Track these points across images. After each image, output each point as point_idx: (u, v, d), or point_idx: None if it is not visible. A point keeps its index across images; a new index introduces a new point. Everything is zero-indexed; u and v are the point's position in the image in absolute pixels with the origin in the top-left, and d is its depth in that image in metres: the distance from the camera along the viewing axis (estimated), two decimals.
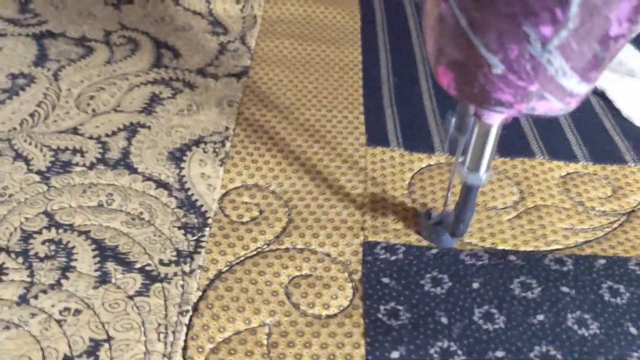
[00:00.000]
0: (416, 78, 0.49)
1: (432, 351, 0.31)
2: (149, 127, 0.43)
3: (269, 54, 0.51)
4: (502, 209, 0.39)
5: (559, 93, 0.22)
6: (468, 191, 0.30)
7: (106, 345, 0.30)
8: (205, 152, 0.42)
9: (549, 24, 0.19)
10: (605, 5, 0.19)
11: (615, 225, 0.38)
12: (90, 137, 0.42)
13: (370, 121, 0.45)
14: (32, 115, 0.44)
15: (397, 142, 0.43)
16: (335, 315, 0.33)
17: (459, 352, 0.31)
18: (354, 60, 0.51)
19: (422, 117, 0.45)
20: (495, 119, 0.25)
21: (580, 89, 0.22)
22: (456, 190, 0.38)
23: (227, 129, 0.44)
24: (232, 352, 0.30)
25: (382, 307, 0.33)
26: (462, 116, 0.31)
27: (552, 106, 0.22)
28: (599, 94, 0.51)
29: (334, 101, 0.47)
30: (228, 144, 0.42)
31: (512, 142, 0.44)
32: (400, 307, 0.33)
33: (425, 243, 0.37)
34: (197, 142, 0.42)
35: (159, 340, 0.31)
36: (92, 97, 0.46)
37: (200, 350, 0.30)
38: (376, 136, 0.44)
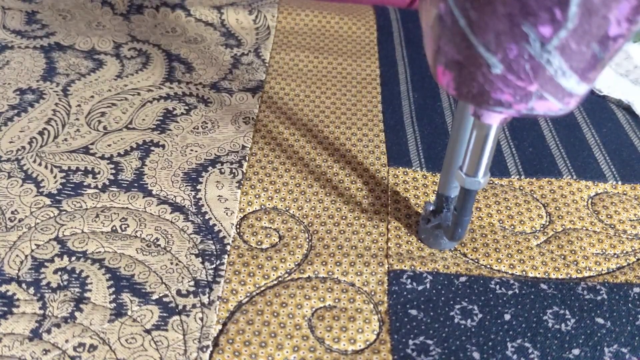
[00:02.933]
0: (437, 93, 0.48)
1: None
2: (163, 146, 0.42)
3: (284, 67, 0.50)
4: (530, 233, 0.38)
5: (558, 93, 0.22)
6: (466, 195, 0.30)
7: None
8: (222, 172, 0.40)
9: (548, 24, 0.19)
10: (605, 5, 0.19)
11: None
12: (102, 157, 0.41)
13: (391, 140, 0.43)
14: (41, 133, 0.42)
15: (419, 162, 0.41)
16: (362, 350, 0.31)
17: None
18: (371, 74, 0.50)
19: (444, 136, 0.43)
20: (495, 119, 0.25)
21: (579, 89, 0.22)
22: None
23: (243, 147, 0.42)
24: None
25: (411, 342, 0.32)
26: (437, 209, 0.33)
27: (551, 106, 0.22)
28: (625, 108, 0.49)
29: (352, 117, 0.45)
30: (245, 164, 0.41)
31: (539, 161, 0.42)
32: (429, 342, 0.32)
33: (452, 270, 0.35)
34: (213, 162, 0.41)
35: None
36: (103, 114, 0.44)
37: None
38: (397, 156, 0.42)
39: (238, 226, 0.37)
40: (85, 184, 0.39)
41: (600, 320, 0.33)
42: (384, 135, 0.44)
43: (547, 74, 0.21)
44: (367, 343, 0.32)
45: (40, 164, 0.40)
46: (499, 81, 0.22)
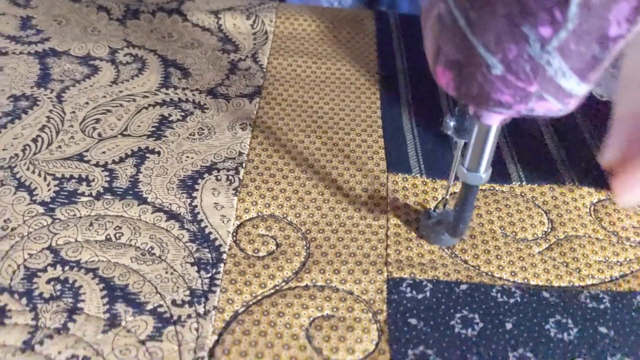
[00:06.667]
0: (437, 99, 0.47)
1: None
2: (159, 153, 0.41)
3: (282, 73, 0.49)
4: (532, 240, 0.37)
5: (558, 94, 0.22)
6: (468, 191, 0.30)
7: None
8: (218, 180, 0.39)
9: (548, 25, 0.19)
10: (605, 5, 0.19)
11: None
12: (97, 164, 0.40)
13: (390, 146, 0.43)
14: (35, 140, 0.42)
15: (419, 168, 0.41)
16: None
17: None
18: (370, 80, 0.49)
19: (444, 142, 0.42)
20: (495, 120, 0.25)
21: (579, 89, 0.22)
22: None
23: (240, 154, 0.41)
24: None
25: (410, 352, 0.31)
26: (460, 119, 0.30)
27: (551, 107, 0.22)
28: None
29: (351, 123, 0.45)
30: (242, 171, 0.40)
31: (540, 168, 0.42)
32: (429, 352, 0.31)
33: (453, 277, 0.34)
34: (209, 169, 0.40)
35: None
36: (97, 121, 0.44)
37: None
38: (397, 162, 0.41)
39: (234, 234, 0.36)
40: (79, 191, 0.38)
41: (604, 330, 0.33)
42: (383, 141, 0.43)
43: (547, 75, 0.21)
44: (366, 353, 0.31)
45: (33, 172, 0.39)
46: (498, 82, 0.22)
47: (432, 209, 0.38)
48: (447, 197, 0.37)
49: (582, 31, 0.20)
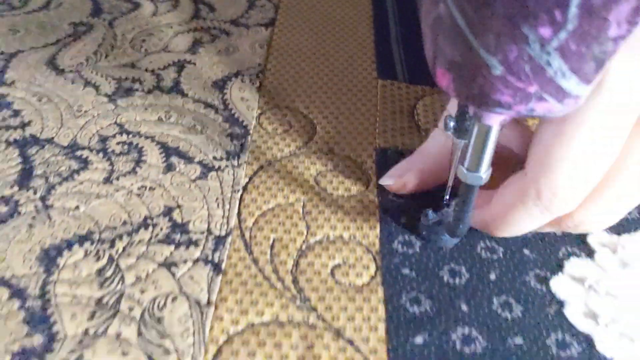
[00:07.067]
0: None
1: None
2: (194, 64, 0.52)
3: (292, 9, 0.60)
4: None
5: (558, 94, 0.22)
6: (468, 191, 0.30)
7: (177, 210, 0.39)
8: (243, 82, 0.50)
9: (548, 25, 0.19)
10: (604, 6, 0.19)
11: None
12: (146, 70, 0.51)
13: (380, 57, 0.54)
14: (95, 53, 0.52)
15: (403, 75, 0.52)
16: (355, 195, 0.41)
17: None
18: (365, 14, 0.60)
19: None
20: (495, 120, 0.26)
21: (579, 90, 0.22)
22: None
23: (259, 65, 0.52)
24: (276, 215, 0.39)
25: (391, 196, 0.42)
26: (460, 120, 0.30)
27: (551, 107, 0.22)
28: None
29: (349, 45, 0.56)
30: (262, 76, 0.51)
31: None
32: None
33: None
34: (236, 74, 0.51)
35: (218, 206, 0.39)
36: (144, 41, 0.54)
37: (250, 214, 0.39)
38: (385, 70, 0.52)
39: (258, 118, 0.47)
40: (134, 88, 0.49)
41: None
42: (375, 54, 0.54)
43: (546, 75, 0.21)
44: (359, 192, 0.42)
45: (96, 74, 0.50)
46: (498, 82, 0.22)
47: (431, 209, 0.37)
48: (447, 197, 0.37)
49: (582, 32, 0.19)
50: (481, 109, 0.24)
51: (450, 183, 0.35)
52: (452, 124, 0.30)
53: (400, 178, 0.39)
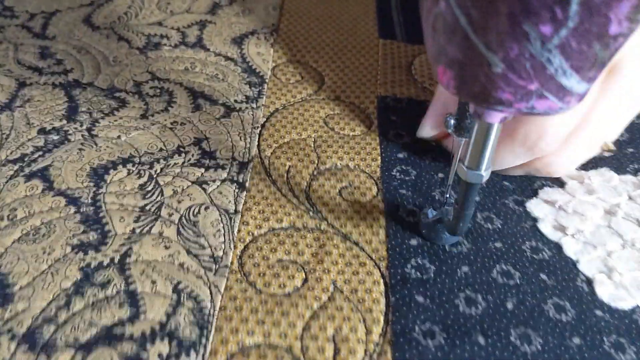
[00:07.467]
0: None
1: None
2: (215, 23, 0.58)
3: None
4: None
5: (558, 92, 0.22)
6: (468, 189, 0.30)
7: (205, 141, 0.45)
8: (258, 39, 0.56)
9: (549, 23, 0.19)
10: (605, 4, 0.18)
11: None
12: (172, 28, 0.57)
13: (381, 19, 0.60)
14: (125, 13, 0.58)
15: (401, 36, 0.58)
16: (359, 135, 0.47)
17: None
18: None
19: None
20: (495, 118, 0.25)
21: (580, 87, 0.22)
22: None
23: (273, 25, 0.58)
24: (291, 147, 0.45)
25: (390, 135, 0.48)
26: (461, 118, 0.30)
27: (551, 105, 0.22)
28: None
29: (353, 8, 0.62)
30: (275, 34, 0.57)
31: None
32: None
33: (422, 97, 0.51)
34: (252, 33, 0.57)
35: (240, 139, 0.45)
36: (168, 3, 0.61)
37: (269, 146, 0.45)
38: (386, 30, 0.59)
39: (272, 70, 0.53)
40: (162, 43, 0.55)
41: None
42: (376, 19, 0.61)
43: (547, 73, 0.21)
44: (363, 132, 0.48)
45: (128, 31, 0.56)
46: (499, 80, 0.21)
47: (431, 207, 0.38)
48: (447, 195, 0.37)
49: (582, 29, 0.19)
50: (482, 106, 0.24)
51: (450, 181, 0.36)
52: (452, 122, 0.31)
53: (439, 127, 0.41)
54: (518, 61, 0.20)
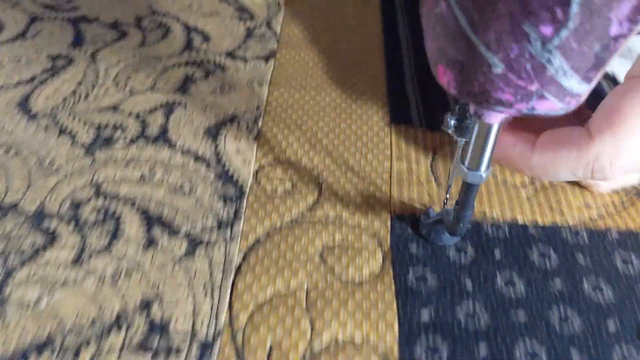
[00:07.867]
0: None
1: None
2: (185, 105, 0.46)
3: (294, 39, 0.54)
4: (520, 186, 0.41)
5: (559, 93, 0.22)
6: (468, 189, 0.30)
7: (157, 303, 0.33)
8: (239, 129, 0.44)
9: (549, 24, 0.19)
10: (606, 5, 0.19)
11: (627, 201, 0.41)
12: (130, 114, 0.44)
13: (393, 101, 0.47)
14: (73, 92, 0.46)
15: (419, 121, 0.45)
16: (367, 278, 0.35)
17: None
18: (376, 47, 0.54)
19: (443, 97, 0.47)
20: (495, 119, 0.25)
21: (580, 88, 0.22)
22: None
23: (258, 107, 0.46)
24: (274, 308, 0.33)
25: (410, 270, 0.36)
26: (461, 118, 0.30)
27: (552, 106, 0.22)
28: (611, 79, 0.53)
29: (358, 83, 0.49)
30: (260, 122, 0.45)
31: None
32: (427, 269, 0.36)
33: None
34: (231, 120, 0.45)
35: (205, 296, 0.33)
36: (129, 78, 0.48)
37: (244, 308, 0.33)
38: (399, 115, 0.46)
39: (255, 175, 0.41)
40: (115, 137, 0.43)
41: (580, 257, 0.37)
42: (387, 97, 0.48)
43: (547, 74, 0.21)
44: (372, 273, 0.36)
45: (74, 119, 0.44)
46: (500, 80, 0.22)
47: (432, 208, 0.38)
48: (447, 195, 0.38)
49: (583, 30, 0.19)
50: (482, 107, 0.24)
51: (450, 182, 0.35)
52: (452, 122, 0.30)
53: None
54: (518, 62, 0.21)
